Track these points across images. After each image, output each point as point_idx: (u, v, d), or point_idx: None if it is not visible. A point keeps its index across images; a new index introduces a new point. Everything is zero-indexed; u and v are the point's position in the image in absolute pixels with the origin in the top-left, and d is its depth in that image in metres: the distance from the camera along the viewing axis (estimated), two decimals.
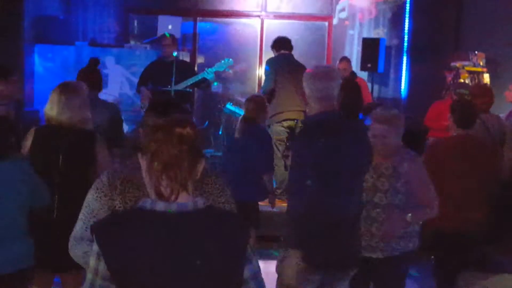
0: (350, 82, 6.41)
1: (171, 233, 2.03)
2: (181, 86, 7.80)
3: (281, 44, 8.31)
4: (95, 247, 2.06)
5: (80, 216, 2.80)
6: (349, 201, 3.65)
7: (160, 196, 2.08)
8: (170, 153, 2.06)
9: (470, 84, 8.99)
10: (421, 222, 4.39)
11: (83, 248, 2.75)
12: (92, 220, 2.71)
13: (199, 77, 7.96)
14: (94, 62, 5.90)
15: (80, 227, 2.79)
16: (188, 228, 2.06)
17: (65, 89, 4.13)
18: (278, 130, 8.06)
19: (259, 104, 5.99)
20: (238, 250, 2.14)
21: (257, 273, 2.23)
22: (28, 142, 4.09)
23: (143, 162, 2.15)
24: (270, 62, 8.30)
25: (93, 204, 2.74)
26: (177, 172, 2.07)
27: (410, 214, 4.12)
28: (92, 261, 2.08)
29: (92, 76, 5.71)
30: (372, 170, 4.11)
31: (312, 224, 3.45)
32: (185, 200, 2.09)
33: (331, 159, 3.50)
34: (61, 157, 3.96)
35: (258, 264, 2.24)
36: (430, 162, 4.86)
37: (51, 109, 4.08)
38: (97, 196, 2.73)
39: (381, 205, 4.17)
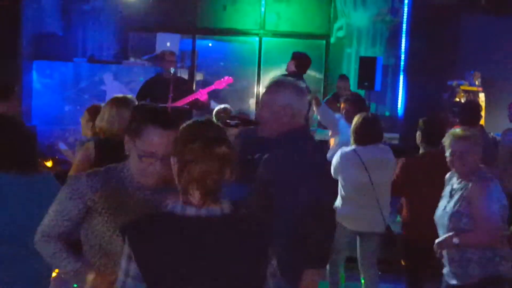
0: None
1: (201, 237, 2.13)
2: (179, 102, 7.82)
3: None
4: (126, 248, 2.12)
5: (50, 211, 2.74)
6: None
7: (188, 203, 2.16)
8: (204, 168, 2.14)
9: None
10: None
11: (52, 249, 2.72)
12: (61, 219, 2.68)
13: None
14: None
15: (48, 222, 2.74)
16: (218, 232, 2.15)
17: (117, 102, 4.23)
18: None
19: None
20: (261, 251, 2.23)
21: (275, 272, 2.31)
22: (79, 155, 4.18)
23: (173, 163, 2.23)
24: None
25: (66, 203, 2.69)
26: (209, 184, 2.15)
27: (456, 239, 4.01)
28: (123, 263, 2.13)
29: None
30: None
31: None
32: (213, 205, 2.18)
33: None
34: None
35: (276, 263, 2.33)
36: (403, 180, 5.15)
37: (101, 120, 4.17)
38: (71, 196, 2.68)
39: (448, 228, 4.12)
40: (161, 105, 7.58)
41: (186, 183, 2.16)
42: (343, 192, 5.28)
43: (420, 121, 5.31)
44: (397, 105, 10.12)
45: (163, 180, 2.62)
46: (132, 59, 10.58)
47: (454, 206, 4.08)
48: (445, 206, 4.18)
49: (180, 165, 2.18)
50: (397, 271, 5.95)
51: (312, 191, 3.14)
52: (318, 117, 6.81)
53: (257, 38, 11.36)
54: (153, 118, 2.61)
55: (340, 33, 11.14)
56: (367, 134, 5.30)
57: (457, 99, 9.09)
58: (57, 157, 6.57)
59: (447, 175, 4.34)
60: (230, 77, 7.84)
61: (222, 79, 7.80)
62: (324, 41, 11.41)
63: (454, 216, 4.05)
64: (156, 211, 2.27)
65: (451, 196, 4.18)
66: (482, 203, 3.98)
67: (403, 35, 9.98)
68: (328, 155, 5.80)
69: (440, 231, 4.19)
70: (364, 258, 5.43)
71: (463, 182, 4.13)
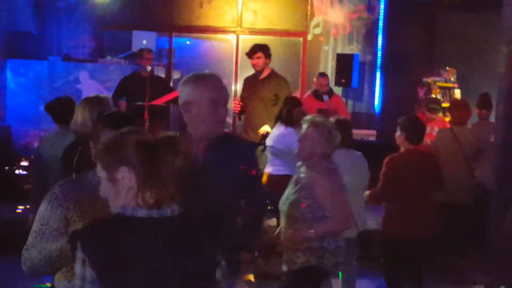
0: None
1: (153, 237, 2.16)
2: (156, 101, 7.78)
3: None
4: (79, 254, 2.12)
5: (33, 229, 2.78)
6: None
7: (145, 204, 2.18)
8: (157, 168, 2.19)
9: (442, 99, 9.12)
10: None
11: (37, 250, 2.73)
12: (49, 232, 2.73)
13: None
14: None
15: (33, 239, 2.77)
16: (168, 232, 2.19)
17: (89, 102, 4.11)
18: None
19: None
20: (210, 253, 2.30)
21: (227, 275, 2.40)
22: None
23: (116, 174, 2.20)
24: None
25: (47, 215, 2.75)
26: (164, 189, 2.20)
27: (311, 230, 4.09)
28: (77, 268, 2.13)
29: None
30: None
31: None
32: (163, 207, 2.21)
33: None
34: None
35: (226, 266, 2.40)
36: (388, 177, 5.27)
37: (75, 122, 4.07)
38: (51, 207, 2.75)
39: (288, 216, 4.21)
40: (137, 103, 7.59)
41: (142, 188, 2.19)
42: None
43: (402, 120, 5.38)
44: (373, 102, 10.15)
45: None
46: (108, 57, 10.51)
47: (294, 195, 4.16)
48: (288, 194, 4.26)
49: (129, 172, 2.19)
50: (375, 267, 5.99)
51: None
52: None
53: (234, 36, 11.35)
54: (109, 123, 2.78)
55: (317, 30, 11.16)
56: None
57: (433, 96, 9.15)
58: (32, 156, 6.52)
59: (298, 163, 4.39)
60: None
61: None
62: (301, 38, 11.42)
63: (293, 204, 4.15)
64: (106, 215, 2.26)
65: (296, 184, 4.25)
66: (326, 194, 4.09)
67: (380, 32, 10.01)
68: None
69: (281, 219, 4.31)
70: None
71: (307, 171, 4.20)
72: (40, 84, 9.59)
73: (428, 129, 8.17)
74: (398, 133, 5.37)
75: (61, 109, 5.28)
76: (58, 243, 2.70)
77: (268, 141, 6.73)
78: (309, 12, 11.26)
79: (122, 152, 2.20)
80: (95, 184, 2.68)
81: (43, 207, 2.78)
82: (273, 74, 7.76)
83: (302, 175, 4.25)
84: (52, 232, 2.75)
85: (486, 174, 6.62)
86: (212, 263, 2.32)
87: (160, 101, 7.78)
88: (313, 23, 11.19)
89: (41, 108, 9.63)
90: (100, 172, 2.26)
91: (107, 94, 9.13)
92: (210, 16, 11.22)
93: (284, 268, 4.23)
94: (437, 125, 8.17)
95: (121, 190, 2.21)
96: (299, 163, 4.36)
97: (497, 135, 5.84)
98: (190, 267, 2.21)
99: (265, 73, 7.70)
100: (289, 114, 6.53)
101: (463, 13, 9.61)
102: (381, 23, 10.03)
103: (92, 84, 9.70)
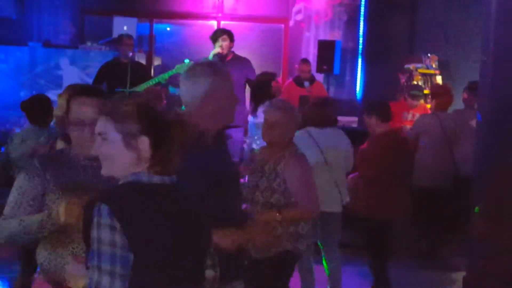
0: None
1: (170, 202, 2.24)
2: (138, 88, 7.75)
3: None
4: (105, 219, 2.10)
5: (10, 199, 2.85)
6: None
7: (156, 172, 2.24)
8: (176, 137, 2.25)
9: (423, 86, 9.16)
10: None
11: (16, 221, 2.78)
12: (26, 202, 2.80)
13: (157, 80, 7.92)
14: None
15: (11, 208, 2.84)
16: (180, 198, 2.30)
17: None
18: None
19: None
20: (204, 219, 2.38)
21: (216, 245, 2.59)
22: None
23: (135, 141, 2.23)
24: None
25: (25, 185, 2.83)
26: (178, 158, 2.28)
27: (278, 214, 4.06)
28: (105, 233, 2.10)
29: None
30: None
31: None
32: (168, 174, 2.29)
33: None
34: None
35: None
36: (373, 153, 5.54)
37: (59, 110, 4.24)
38: (29, 177, 2.83)
39: (259, 204, 4.17)
40: (118, 89, 7.55)
41: (160, 157, 2.24)
42: None
43: (366, 107, 5.61)
44: (355, 88, 10.17)
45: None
46: (88, 44, 10.42)
47: (266, 182, 4.14)
48: (256, 182, 4.21)
49: (156, 141, 2.24)
50: (359, 254, 6.04)
51: None
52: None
53: (215, 22, 11.29)
54: (77, 90, 2.92)
55: (299, 17, 11.13)
56: (320, 116, 5.45)
57: (415, 82, 9.19)
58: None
59: (256, 148, 4.46)
60: None
61: None
62: (282, 25, 11.40)
63: (266, 191, 4.12)
64: (123, 182, 2.26)
65: (263, 171, 4.20)
66: (298, 179, 4.10)
67: (361, 19, 10.02)
68: None
69: (251, 206, 4.22)
70: (326, 241, 5.48)
71: (277, 157, 4.17)
72: (20, 70, 9.52)
73: (409, 116, 8.24)
74: (368, 119, 5.58)
75: (36, 108, 5.26)
76: (39, 215, 2.77)
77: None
78: None
79: (145, 121, 2.23)
80: (71, 156, 2.90)
81: (21, 178, 2.87)
82: (236, 56, 7.97)
83: (266, 162, 4.20)
84: (29, 202, 2.82)
85: (466, 159, 6.68)
86: (206, 240, 2.40)
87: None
88: (294, 9, 11.15)
89: (22, 94, 9.62)
90: (109, 131, 2.24)
91: (88, 80, 9.12)
92: (191, 2, 11.14)
93: (257, 255, 4.06)
94: (419, 112, 8.22)
95: (135, 156, 2.23)
96: (257, 148, 4.36)
97: (479, 120, 5.88)
98: (194, 236, 2.29)
99: (229, 56, 7.91)
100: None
101: None
102: (362, 9, 10.03)
103: (73, 70, 9.65)
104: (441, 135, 7.07)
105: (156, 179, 2.24)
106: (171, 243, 2.20)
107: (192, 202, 2.36)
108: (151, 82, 7.89)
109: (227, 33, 7.93)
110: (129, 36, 8.31)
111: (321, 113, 5.49)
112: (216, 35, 7.93)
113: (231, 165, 3.19)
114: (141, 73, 8.09)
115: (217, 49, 7.83)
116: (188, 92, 3.03)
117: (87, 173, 2.87)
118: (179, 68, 7.92)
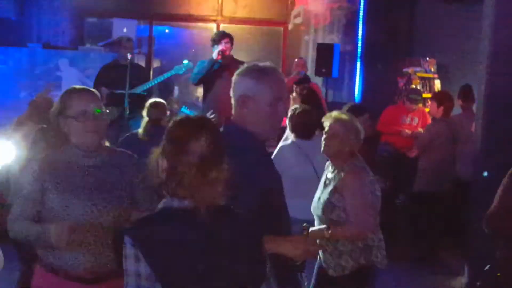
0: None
1: (195, 227, 2.16)
2: (137, 89, 7.77)
3: None
4: (129, 250, 2.09)
5: (17, 198, 3.02)
6: None
7: (177, 195, 2.18)
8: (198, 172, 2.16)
9: (422, 89, 9.20)
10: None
11: (23, 225, 2.96)
12: (32, 203, 2.95)
13: (156, 81, 7.94)
14: None
15: (20, 209, 2.99)
16: (199, 223, 2.17)
17: None
18: None
19: None
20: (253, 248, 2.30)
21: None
22: None
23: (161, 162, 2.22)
24: None
25: (27, 188, 2.98)
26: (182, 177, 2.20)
27: (327, 231, 3.90)
28: (130, 265, 2.10)
29: None
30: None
31: None
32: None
33: None
34: None
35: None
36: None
37: None
38: (28, 180, 2.97)
39: (322, 220, 4.05)
40: (118, 91, 7.56)
41: (178, 181, 2.18)
42: (289, 185, 5.22)
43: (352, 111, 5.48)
44: (354, 91, 10.20)
45: (98, 137, 3.04)
46: (88, 45, 10.44)
47: (326, 197, 3.99)
48: (319, 197, 4.10)
49: (173, 164, 2.19)
50: None
51: None
52: None
53: (214, 25, 11.31)
54: (73, 90, 3.09)
55: (298, 20, 11.16)
56: (307, 128, 5.28)
57: (413, 86, 9.22)
58: None
59: (327, 163, 4.24)
60: None
61: None
62: (281, 28, 11.42)
63: (327, 207, 3.97)
64: (154, 210, 2.25)
65: (325, 185, 4.10)
66: (353, 196, 3.90)
67: (360, 22, 10.05)
68: None
69: (315, 222, 4.10)
70: None
71: (336, 171, 4.04)
72: (20, 71, 9.52)
73: (408, 119, 8.26)
74: (364, 123, 5.34)
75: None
76: (35, 228, 2.91)
77: None
78: (289, 2, 11.24)
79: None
80: (68, 154, 3.03)
81: (21, 180, 3.02)
82: (235, 59, 7.91)
83: (330, 175, 4.09)
84: (34, 204, 2.97)
85: (465, 164, 6.72)
86: (259, 257, 2.31)
87: None
88: (293, 12, 11.18)
89: (21, 95, 9.62)
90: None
91: (87, 82, 9.13)
92: (190, 5, 11.16)
93: (332, 273, 3.99)
94: (417, 116, 8.25)
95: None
96: (327, 162, 4.20)
97: (477, 125, 5.91)
98: (234, 264, 2.21)
99: (228, 59, 7.86)
100: None
101: (443, 3, 9.67)
102: (361, 13, 10.07)
103: (72, 71, 9.65)
104: (449, 140, 7.17)
105: (184, 203, 2.18)
106: (200, 272, 2.12)
107: (241, 229, 2.27)
108: (150, 84, 7.90)
109: (229, 36, 7.94)
110: (128, 39, 8.31)
111: (305, 121, 5.28)
112: (218, 38, 7.93)
113: (279, 177, 2.99)
114: (140, 75, 8.10)
115: (217, 52, 7.83)
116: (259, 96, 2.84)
117: (84, 171, 3.02)
118: (177, 69, 7.94)
